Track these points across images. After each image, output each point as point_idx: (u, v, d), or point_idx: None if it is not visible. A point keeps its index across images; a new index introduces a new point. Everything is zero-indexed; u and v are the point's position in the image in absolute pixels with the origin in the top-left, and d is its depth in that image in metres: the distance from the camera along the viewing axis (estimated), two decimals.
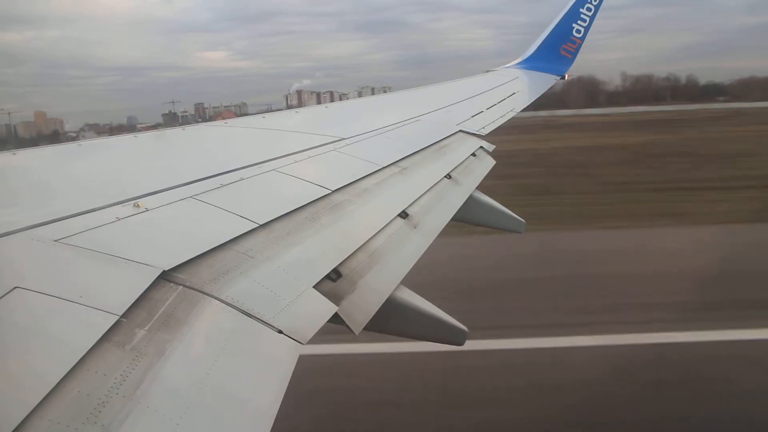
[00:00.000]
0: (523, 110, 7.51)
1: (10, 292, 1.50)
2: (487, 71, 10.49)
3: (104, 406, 1.28)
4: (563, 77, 10.74)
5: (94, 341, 1.42)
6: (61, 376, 1.29)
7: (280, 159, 3.24)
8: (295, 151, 3.47)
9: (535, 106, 8.69)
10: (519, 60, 10.90)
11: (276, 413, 1.53)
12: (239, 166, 2.96)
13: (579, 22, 10.50)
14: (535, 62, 10.64)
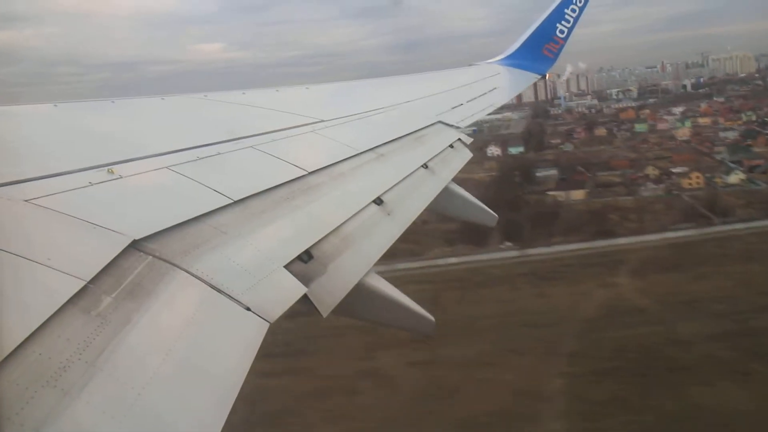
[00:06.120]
0: None
1: None
2: (470, 65, 10.52)
3: (65, 371, 1.27)
4: (544, 76, 10.83)
5: (59, 305, 1.40)
6: (23, 338, 1.27)
7: (259, 136, 3.22)
8: (274, 129, 3.45)
9: None
10: (501, 56, 10.93)
11: (239, 389, 1.54)
12: (217, 141, 2.94)
13: (563, 22, 10.58)
14: (518, 59, 10.69)
